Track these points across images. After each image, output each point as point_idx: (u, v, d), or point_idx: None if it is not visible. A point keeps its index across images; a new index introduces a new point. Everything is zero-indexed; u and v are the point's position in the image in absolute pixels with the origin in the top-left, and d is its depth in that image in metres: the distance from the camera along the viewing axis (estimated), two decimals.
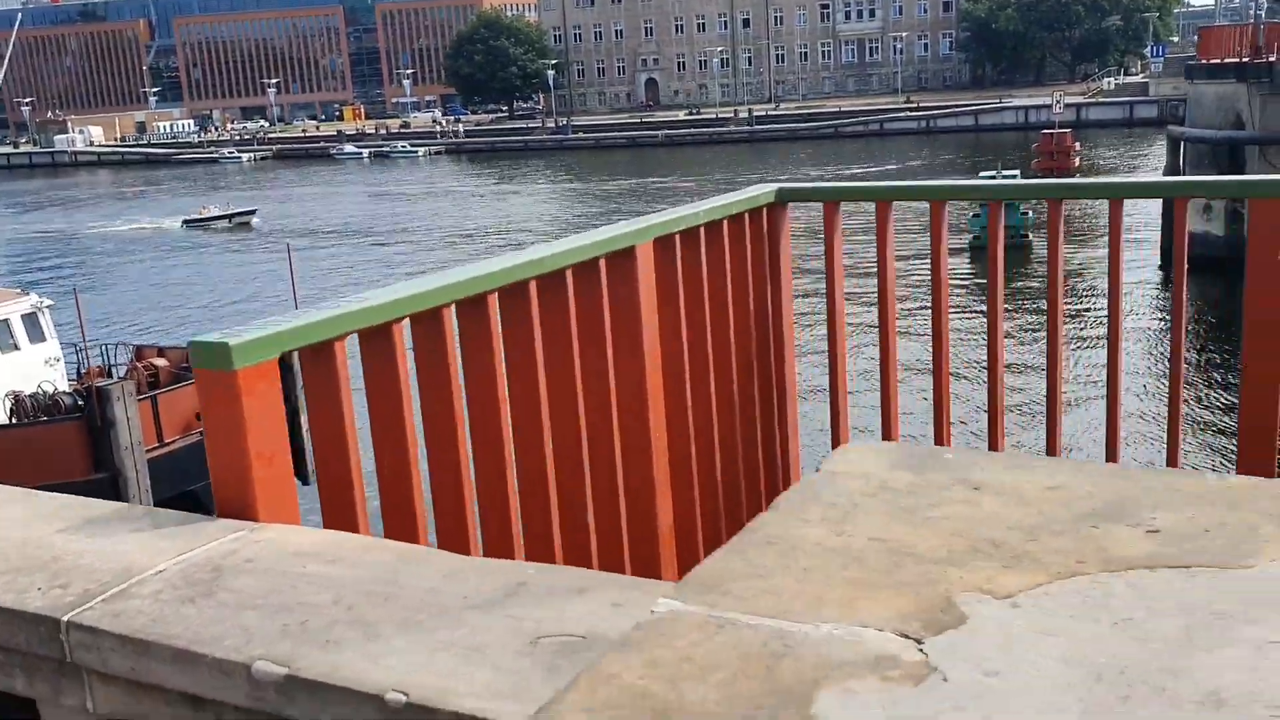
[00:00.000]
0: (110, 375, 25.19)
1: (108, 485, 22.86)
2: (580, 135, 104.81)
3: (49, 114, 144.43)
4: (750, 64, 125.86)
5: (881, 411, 4.51)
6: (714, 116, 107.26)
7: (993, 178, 45.64)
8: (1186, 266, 4.04)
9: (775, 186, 4.53)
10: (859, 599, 1.35)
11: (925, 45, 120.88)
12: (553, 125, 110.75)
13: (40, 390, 24.18)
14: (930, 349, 4.44)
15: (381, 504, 2.93)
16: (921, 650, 1.24)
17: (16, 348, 26.08)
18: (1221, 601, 1.31)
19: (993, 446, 4.28)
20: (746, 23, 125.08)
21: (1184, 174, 42.26)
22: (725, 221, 4.23)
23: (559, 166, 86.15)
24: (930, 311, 4.40)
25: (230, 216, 59.43)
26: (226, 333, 2.41)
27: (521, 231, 51.36)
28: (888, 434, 4.47)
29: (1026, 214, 44.51)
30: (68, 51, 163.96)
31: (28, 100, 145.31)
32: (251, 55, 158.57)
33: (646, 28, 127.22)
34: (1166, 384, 4.17)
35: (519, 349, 3.32)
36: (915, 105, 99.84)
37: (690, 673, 1.21)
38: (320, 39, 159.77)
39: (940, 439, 4.39)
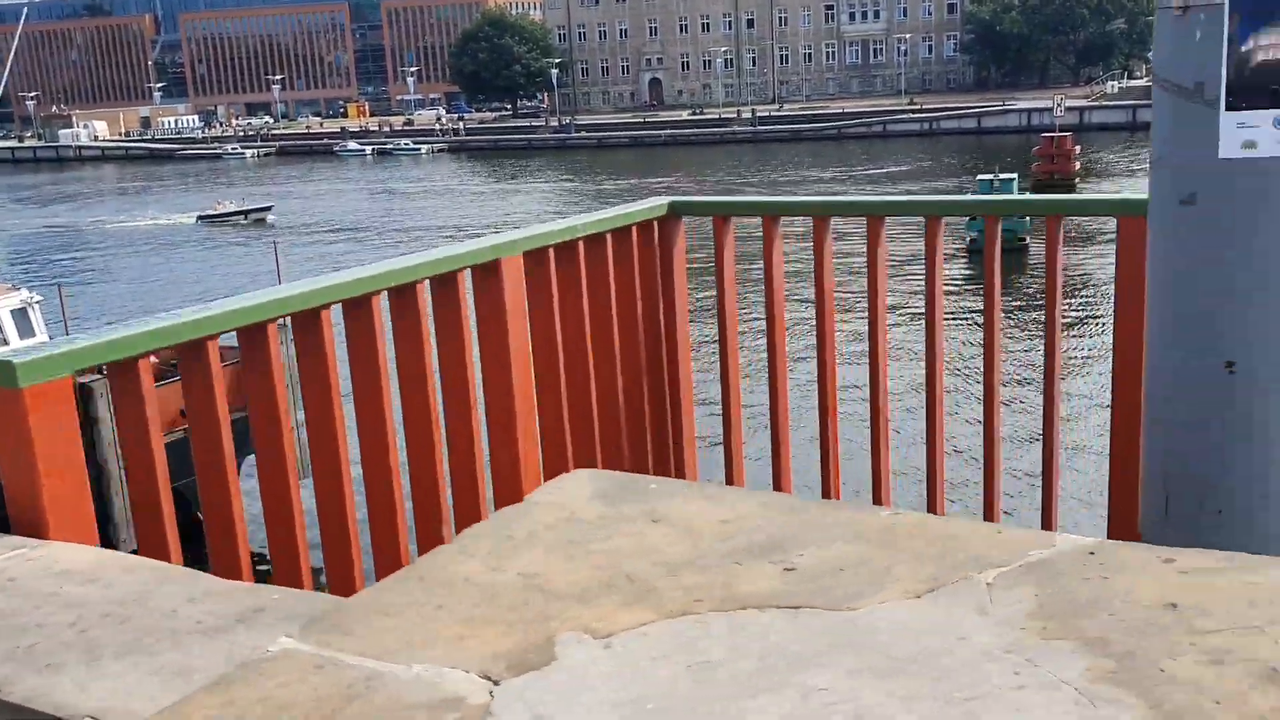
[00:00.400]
0: (101, 372, 25.26)
1: (91, 482, 22.96)
2: (583, 134, 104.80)
3: (54, 108, 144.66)
4: (754, 64, 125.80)
5: (772, 442, 4.45)
6: (717, 116, 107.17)
7: (990, 182, 45.25)
8: (1060, 288, 4.02)
9: (668, 200, 4.52)
10: (469, 638, 1.38)
11: (929, 47, 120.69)
12: (555, 124, 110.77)
13: None
14: (814, 371, 4.42)
15: (206, 528, 2.95)
16: (492, 693, 1.26)
17: (5, 342, 26.23)
18: (805, 644, 1.33)
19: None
20: (751, 23, 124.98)
21: None
22: (609, 235, 4.23)
23: (561, 165, 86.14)
24: (815, 331, 4.37)
25: (246, 213, 59.16)
26: (14, 350, 2.44)
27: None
28: (777, 472, 4.42)
29: (1025, 218, 43.67)
30: (73, 46, 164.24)
31: (32, 95, 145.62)
32: (257, 51, 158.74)
33: (651, 27, 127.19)
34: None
35: (364, 363, 3.33)
36: (918, 107, 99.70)
37: (258, 715, 1.23)
38: (326, 35, 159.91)
39: (827, 487, 4.33)
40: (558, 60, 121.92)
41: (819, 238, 4.27)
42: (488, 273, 3.68)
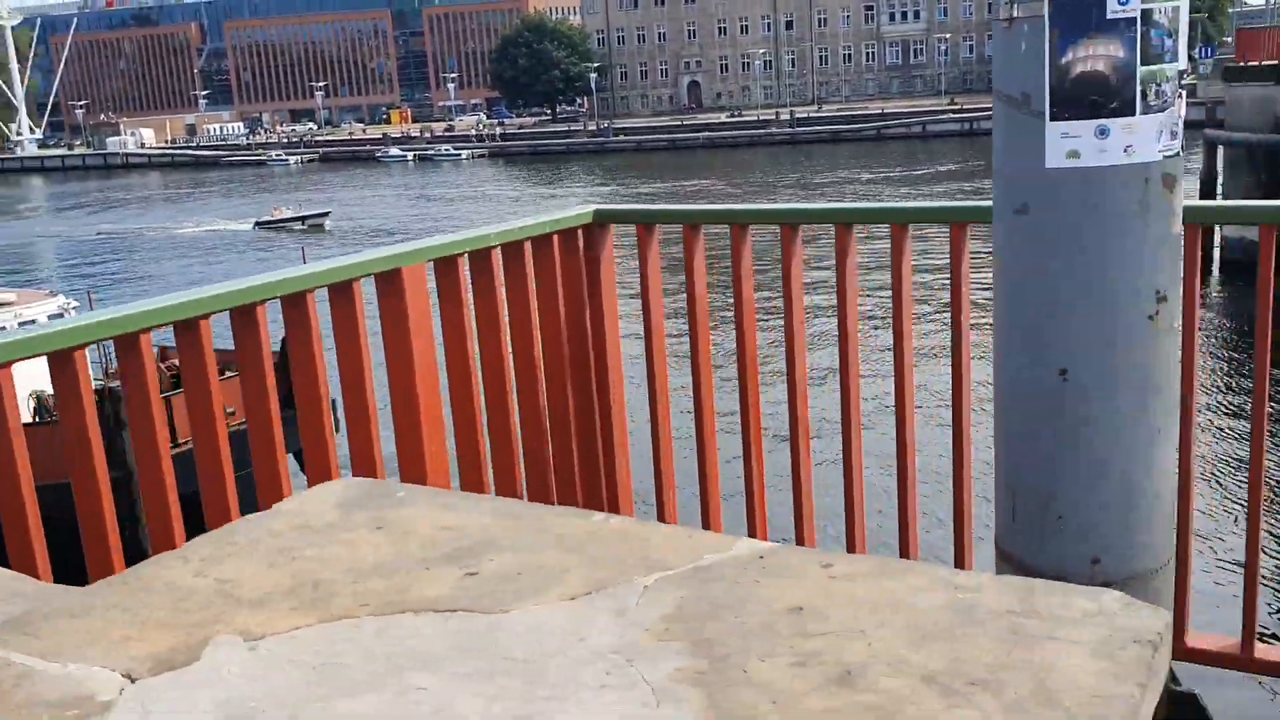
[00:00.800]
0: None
1: (121, 485, 23.44)
2: (621, 138, 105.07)
3: (102, 116, 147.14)
4: (793, 66, 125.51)
5: (698, 461, 4.42)
6: (755, 118, 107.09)
7: None
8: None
9: (593, 208, 4.50)
10: (135, 640, 1.46)
11: (970, 47, 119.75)
12: (594, 128, 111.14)
13: None
14: (735, 377, 4.39)
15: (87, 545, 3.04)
16: (123, 691, 1.34)
17: None
18: (438, 647, 1.39)
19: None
20: (790, 24, 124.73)
21: (1220, 179, 41.38)
22: (528, 243, 4.22)
23: (598, 169, 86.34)
24: (735, 346, 4.33)
25: (304, 219, 59.18)
26: None
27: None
28: (704, 500, 4.40)
29: None
30: (121, 55, 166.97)
31: (82, 103, 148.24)
32: (301, 58, 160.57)
33: (689, 30, 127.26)
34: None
35: (253, 374, 3.39)
36: (959, 107, 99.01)
37: None
38: (369, 42, 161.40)
39: (753, 526, 4.30)
40: (596, 65, 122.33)
41: (737, 247, 4.27)
42: (388, 282, 3.71)
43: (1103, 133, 2.60)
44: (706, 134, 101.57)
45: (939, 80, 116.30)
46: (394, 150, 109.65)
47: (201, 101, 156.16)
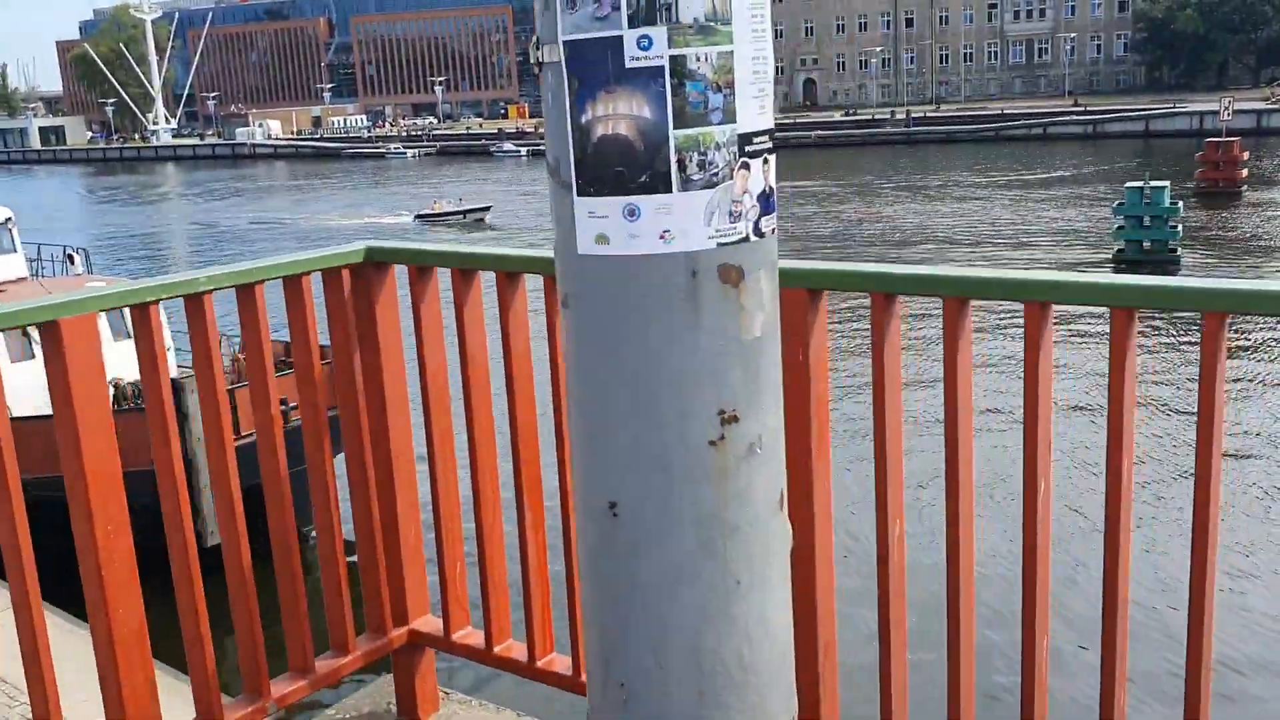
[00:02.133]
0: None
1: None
2: None
3: (233, 108, 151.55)
4: (913, 64, 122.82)
5: (478, 546, 3.82)
6: (870, 117, 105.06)
7: (1140, 190, 42.57)
8: None
9: (364, 245, 3.94)
10: None
11: (1098, 46, 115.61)
12: None
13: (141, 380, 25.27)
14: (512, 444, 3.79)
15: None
16: None
17: (129, 335, 27.27)
18: None
19: None
20: (910, 22, 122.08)
21: None
22: (260, 288, 3.67)
23: None
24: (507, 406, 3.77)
25: (465, 212, 58.30)
26: None
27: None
28: (484, 590, 3.82)
29: (1176, 227, 40.47)
30: (253, 48, 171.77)
31: (214, 94, 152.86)
32: (424, 53, 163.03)
33: (807, 27, 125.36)
34: None
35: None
36: (1083, 108, 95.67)
37: None
38: (491, 38, 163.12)
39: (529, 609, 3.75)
40: None
41: (504, 298, 3.71)
42: (49, 335, 3.22)
43: (632, 213, 2.02)
44: (818, 133, 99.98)
45: (1064, 81, 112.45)
46: (508, 145, 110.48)
47: (326, 95, 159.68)
